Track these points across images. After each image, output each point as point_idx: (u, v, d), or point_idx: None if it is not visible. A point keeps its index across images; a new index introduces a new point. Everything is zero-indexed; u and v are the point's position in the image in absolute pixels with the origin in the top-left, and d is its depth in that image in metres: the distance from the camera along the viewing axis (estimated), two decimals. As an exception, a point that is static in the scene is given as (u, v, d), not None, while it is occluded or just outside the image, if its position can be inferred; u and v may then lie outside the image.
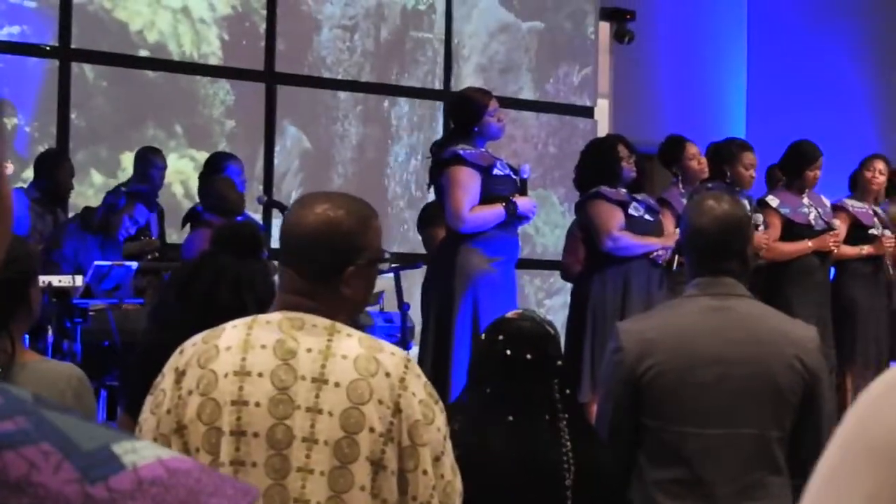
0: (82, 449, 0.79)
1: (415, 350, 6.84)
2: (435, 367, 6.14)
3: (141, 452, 0.80)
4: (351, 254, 2.58)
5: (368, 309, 7.92)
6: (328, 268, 2.57)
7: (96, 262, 7.10)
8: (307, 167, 10.01)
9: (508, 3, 10.84)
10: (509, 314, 3.44)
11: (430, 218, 7.57)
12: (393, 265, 7.67)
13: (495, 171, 6.40)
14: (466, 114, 6.51)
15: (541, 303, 10.57)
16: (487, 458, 3.18)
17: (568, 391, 3.31)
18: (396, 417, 2.47)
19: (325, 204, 2.60)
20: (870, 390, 0.99)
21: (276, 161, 9.89)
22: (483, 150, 6.46)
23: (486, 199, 6.34)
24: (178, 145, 9.55)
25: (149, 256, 7.96)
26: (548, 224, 10.71)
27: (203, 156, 8.99)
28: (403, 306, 7.38)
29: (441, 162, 6.41)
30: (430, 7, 10.50)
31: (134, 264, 7.34)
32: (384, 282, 7.70)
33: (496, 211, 6.33)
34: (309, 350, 2.52)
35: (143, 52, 9.48)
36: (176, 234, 8.56)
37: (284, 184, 9.88)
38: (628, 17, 11.46)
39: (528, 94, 10.83)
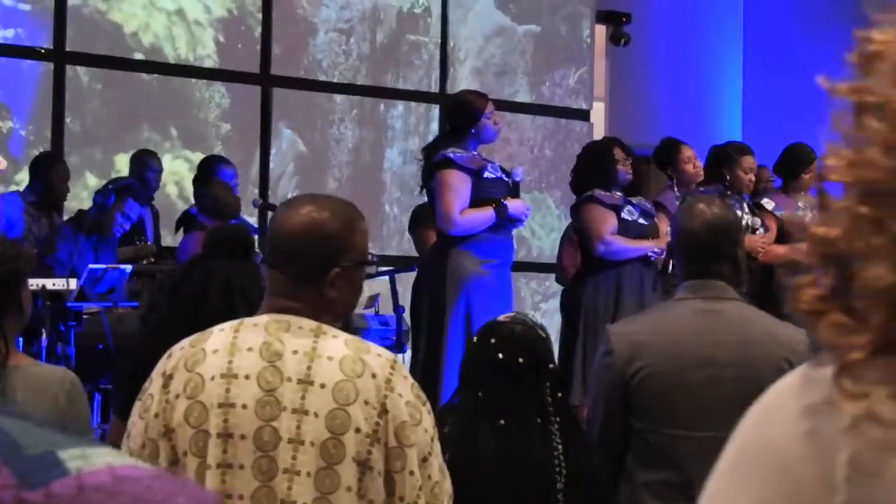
0: (26, 454, 0.78)
1: (410, 353, 6.83)
2: (427, 369, 6.13)
3: (91, 459, 0.79)
4: (335, 256, 2.58)
5: (364, 312, 7.91)
6: (313, 269, 2.57)
7: (90, 266, 7.09)
8: (302, 170, 9.99)
9: (504, 7, 10.83)
10: (501, 317, 3.44)
11: (420, 218, 7.56)
12: (389, 268, 7.66)
13: (486, 175, 6.40)
14: (463, 116, 6.51)
15: (537, 306, 10.55)
16: (479, 460, 3.18)
17: (560, 394, 3.31)
18: (383, 418, 2.47)
19: (310, 206, 2.60)
20: (766, 397, 0.99)
21: (271, 164, 9.87)
22: (474, 153, 6.46)
23: (477, 202, 6.33)
24: (172, 147, 9.53)
25: (144, 261, 7.94)
26: (543, 227, 10.70)
27: (198, 157, 8.98)
28: (399, 309, 7.37)
29: (432, 165, 6.41)
30: (426, 10, 10.49)
31: (128, 267, 7.32)
32: (379, 285, 7.69)
33: (486, 214, 6.33)
34: (295, 352, 2.51)
35: (138, 55, 9.47)
36: (170, 237, 8.55)
37: (280, 187, 9.86)
38: (624, 19, 11.44)
39: (523, 97, 10.82)
